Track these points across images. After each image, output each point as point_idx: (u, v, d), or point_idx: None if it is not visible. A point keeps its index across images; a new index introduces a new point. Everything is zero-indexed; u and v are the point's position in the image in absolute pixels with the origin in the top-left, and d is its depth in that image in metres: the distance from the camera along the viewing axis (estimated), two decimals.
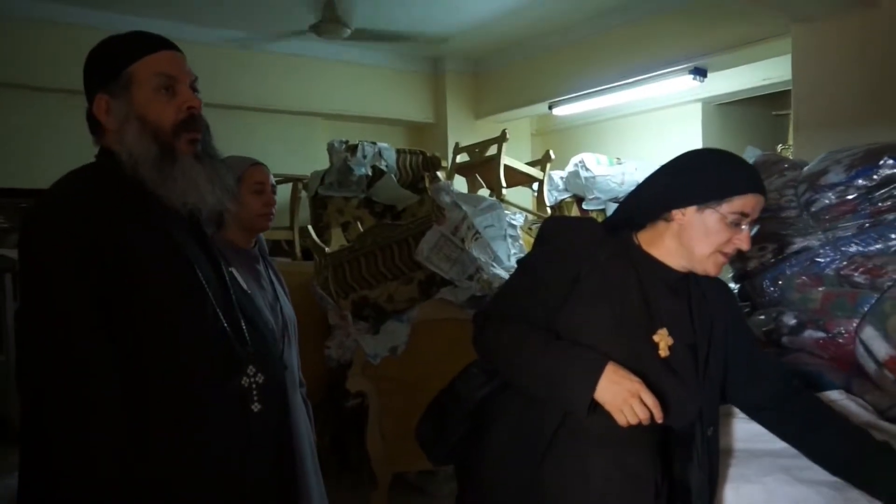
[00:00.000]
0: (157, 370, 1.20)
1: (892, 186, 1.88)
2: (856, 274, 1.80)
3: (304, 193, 4.92)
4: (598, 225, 1.49)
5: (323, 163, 4.84)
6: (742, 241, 1.35)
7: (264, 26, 5.36)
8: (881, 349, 1.60)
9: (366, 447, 3.55)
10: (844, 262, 1.85)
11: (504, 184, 4.84)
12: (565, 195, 5.60)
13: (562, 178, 5.56)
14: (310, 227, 3.96)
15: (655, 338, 1.38)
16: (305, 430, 1.92)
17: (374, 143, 4.72)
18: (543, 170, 5.18)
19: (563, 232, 1.48)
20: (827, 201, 1.96)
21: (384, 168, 4.68)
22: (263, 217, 2.01)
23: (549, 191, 5.37)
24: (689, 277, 1.44)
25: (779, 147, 4.37)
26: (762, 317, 2.04)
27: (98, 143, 1.32)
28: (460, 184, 5.12)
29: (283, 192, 5.00)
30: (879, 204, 1.89)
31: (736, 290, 2.22)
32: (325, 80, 6.00)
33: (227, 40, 5.47)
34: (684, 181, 1.37)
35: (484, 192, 4.80)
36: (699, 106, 5.72)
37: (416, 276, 3.51)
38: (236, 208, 1.95)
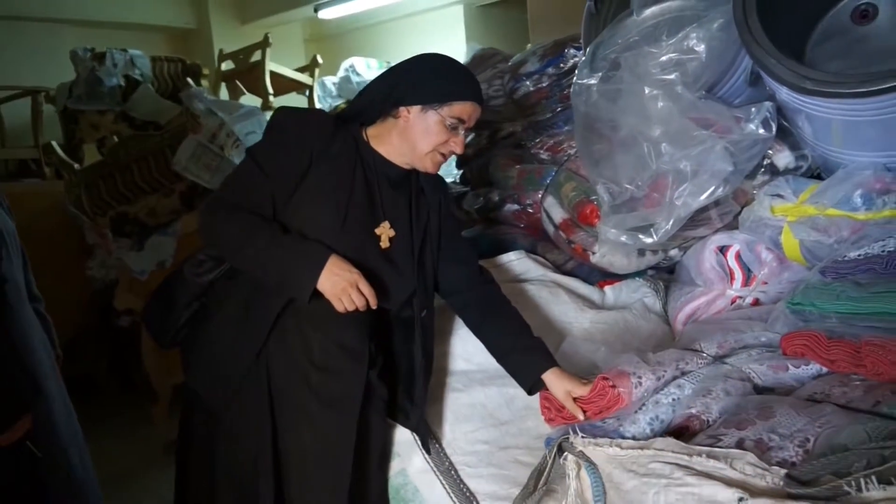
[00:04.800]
0: None
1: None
2: (542, 152, 2.06)
3: (49, 108, 4.51)
4: (329, 117, 1.55)
5: (73, 75, 4.44)
6: (457, 144, 1.49)
7: None
8: (558, 214, 1.88)
9: (143, 364, 3.52)
10: (535, 142, 2.11)
11: (272, 91, 4.76)
12: (339, 101, 5.62)
13: (334, 83, 5.54)
14: (54, 143, 3.68)
15: (378, 230, 1.51)
16: (40, 341, 1.89)
17: (125, 51, 4.39)
18: (312, 76, 5.14)
19: (292, 123, 1.51)
20: (525, 89, 2.19)
21: (139, 78, 4.39)
22: None
23: (323, 97, 5.36)
24: (411, 174, 1.58)
25: (528, 46, 4.68)
26: (480, 197, 2.29)
27: None
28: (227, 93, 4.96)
29: (24, 108, 4.57)
30: (566, 91, 2.15)
31: (459, 175, 2.46)
32: None
33: None
34: (413, 82, 1.47)
35: (250, 99, 4.70)
36: (461, 9, 5.91)
37: (176, 188, 3.43)
38: None
